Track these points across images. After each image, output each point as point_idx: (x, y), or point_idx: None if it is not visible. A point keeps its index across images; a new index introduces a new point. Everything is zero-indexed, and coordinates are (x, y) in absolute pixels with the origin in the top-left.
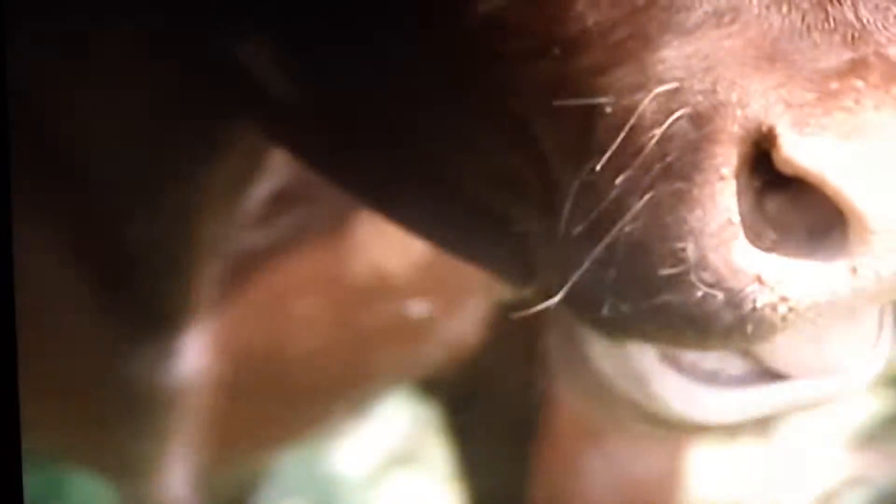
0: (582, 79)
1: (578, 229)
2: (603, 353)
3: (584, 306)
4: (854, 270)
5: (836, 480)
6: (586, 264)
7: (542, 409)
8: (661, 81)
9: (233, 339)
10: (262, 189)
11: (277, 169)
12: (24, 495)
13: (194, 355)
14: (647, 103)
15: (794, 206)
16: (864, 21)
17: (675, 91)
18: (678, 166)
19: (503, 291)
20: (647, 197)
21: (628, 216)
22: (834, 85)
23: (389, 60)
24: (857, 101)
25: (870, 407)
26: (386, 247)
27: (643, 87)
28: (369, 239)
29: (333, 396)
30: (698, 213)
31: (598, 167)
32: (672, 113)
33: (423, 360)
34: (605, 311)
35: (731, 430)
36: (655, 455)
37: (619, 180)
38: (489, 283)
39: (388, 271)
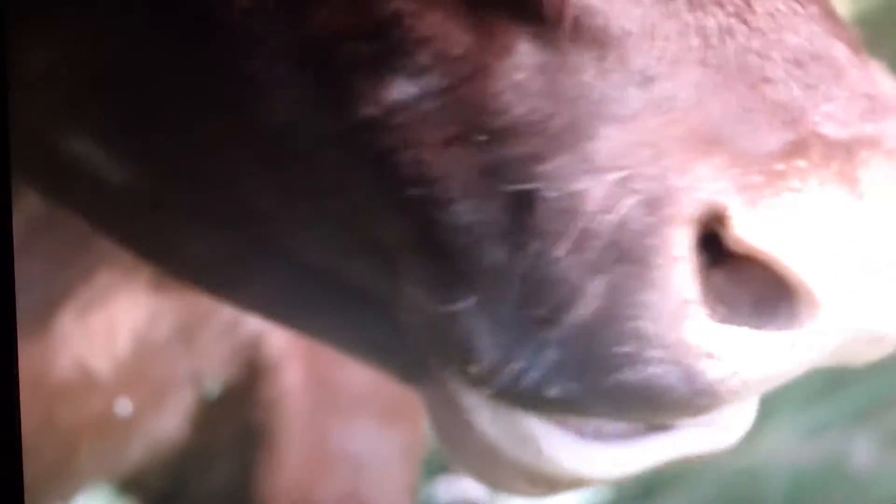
0: (517, 166)
1: (528, 312)
2: (489, 420)
3: (528, 390)
4: (802, 343)
5: None
6: (537, 348)
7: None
8: (607, 169)
9: None
10: None
11: None
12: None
13: None
14: (595, 189)
15: (738, 281)
16: (799, 101)
17: (625, 177)
18: (633, 249)
19: (208, 386)
20: (602, 279)
21: (585, 298)
22: (779, 166)
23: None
24: (802, 181)
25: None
26: (89, 342)
27: (587, 173)
28: (73, 334)
29: (35, 493)
30: (654, 294)
31: (551, 252)
32: (623, 198)
33: (126, 455)
34: (552, 393)
35: None
36: None
37: (572, 264)
38: (194, 378)
39: (92, 367)
